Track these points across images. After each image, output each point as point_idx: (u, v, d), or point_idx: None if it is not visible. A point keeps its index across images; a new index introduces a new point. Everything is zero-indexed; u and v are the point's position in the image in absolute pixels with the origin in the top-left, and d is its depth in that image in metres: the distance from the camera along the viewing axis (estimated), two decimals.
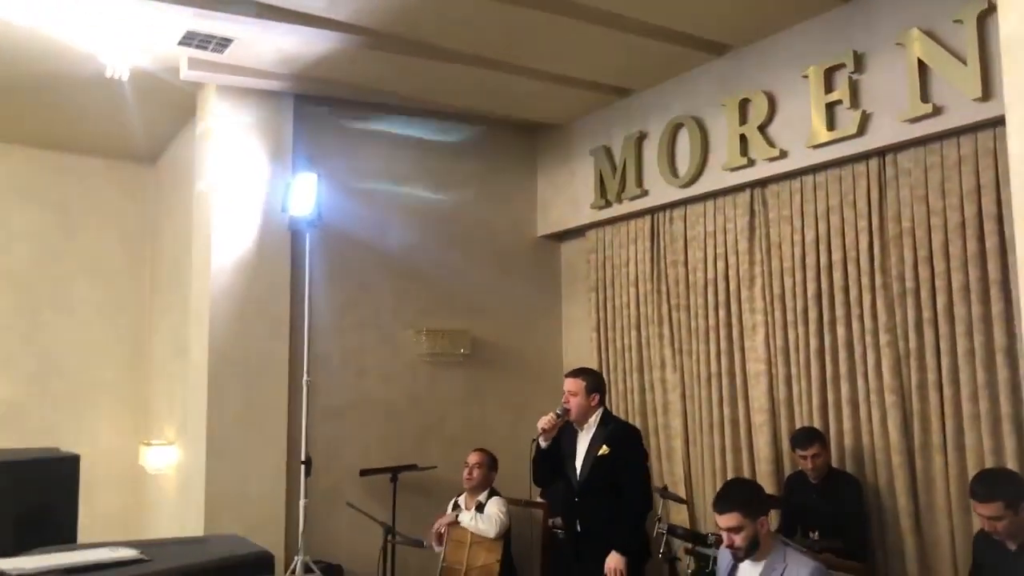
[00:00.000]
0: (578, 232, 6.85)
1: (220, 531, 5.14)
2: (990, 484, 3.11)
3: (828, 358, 4.88)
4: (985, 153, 4.15)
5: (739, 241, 5.46)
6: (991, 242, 4.12)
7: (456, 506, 4.62)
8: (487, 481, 4.57)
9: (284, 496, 5.70)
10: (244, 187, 5.77)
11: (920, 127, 4.31)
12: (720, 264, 5.58)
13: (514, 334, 6.86)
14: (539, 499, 5.06)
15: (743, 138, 5.24)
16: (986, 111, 4.03)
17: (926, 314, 4.40)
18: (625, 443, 3.85)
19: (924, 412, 4.41)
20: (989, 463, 4.09)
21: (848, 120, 4.63)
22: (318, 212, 5.52)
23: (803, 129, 4.89)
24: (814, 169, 4.96)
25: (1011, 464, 3.98)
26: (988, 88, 3.99)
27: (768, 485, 5.11)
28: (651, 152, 5.98)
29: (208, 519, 5.48)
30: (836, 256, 4.85)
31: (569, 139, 6.77)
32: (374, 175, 6.35)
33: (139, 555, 1.91)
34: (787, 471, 5.07)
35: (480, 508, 4.40)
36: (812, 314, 4.96)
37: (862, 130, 4.56)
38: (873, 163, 4.66)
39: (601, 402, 3.96)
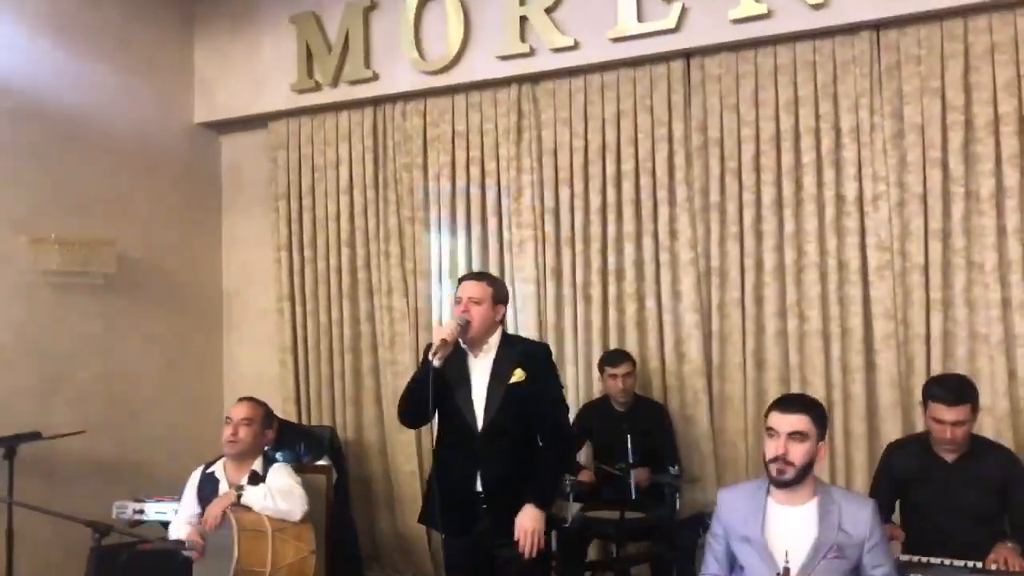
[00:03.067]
0: (255, 123, 5.34)
1: None
2: (958, 387, 2.94)
3: (613, 278, 4.42)
4: (805, 65, 4.05)
5: (502, 145, 4.68)
6: (808, 157, 4.05)
7: (209, 481, 3.05)
8: (260, 443, 3.11)
9: None
10: None
11: (746, 29, 4.03)
12: (475, 170, 4.75)
13: (167, 253, 5.13)
14: (321, 462, 3.71)
15: (523, 20, 4.45)
16: (821, 19, 3.91)
17: (732, 229, 4.20)
18: (543, 366, 2.88)
19: (724, 331, 4.23)
20: (795, 379, 4.06)
21: (662, 12, 4.16)
22: None
23: (602, 18, 4.29)
24: (605, 67, 4.42)
25: (817, 378, 3.99)
26: None
27: None
28: (384, 26, 4.83)
29: None
30: (627, 166, 4.40)
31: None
32: None
33: None
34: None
35: (255, 480, 2.95)
36: (595, 230, 4.45)
37: (679, 25, 4.14)
38: (677, 65, 4.29)
39: (503, 319, 2.92)
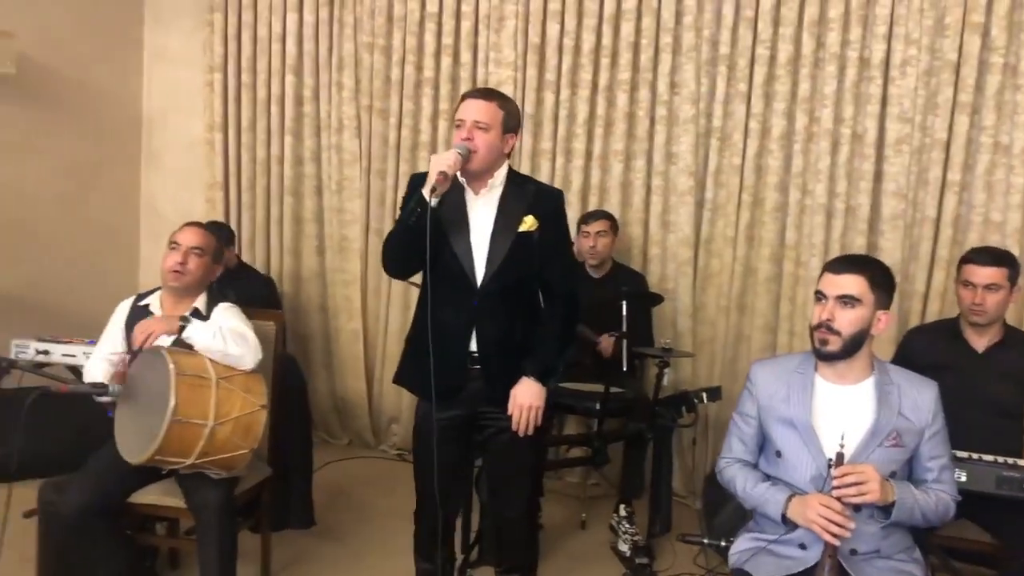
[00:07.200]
0: None
1: None
2: (992, 252, 2.72)
3: (600, 132, 3.95)
4: None
5: None
6: (835, 11, 3.59)
7: (142, 315, 2.50)
8: (207, 278, 2.58)
9: None
10: None
11: None
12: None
13: (77, 61, 4.36)
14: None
15: None
16: None
17: (740, 87, 3.75)
18: (557, 215, 2.42)
19: (717, 201, 3.86)
20: (788, 257, 3.75)
21: None
22: None
23: None
24: None
25: (815, 258, 3.68)
26: None
27: None
28: None
29: None
30: (628, 4, 3.86)
31: None
32: None
33: None
34: None
35: (199, 318, 2.44)
36: (584, 75, 3.94)
37: None
38: None
39: (512, 152, 2.42)
